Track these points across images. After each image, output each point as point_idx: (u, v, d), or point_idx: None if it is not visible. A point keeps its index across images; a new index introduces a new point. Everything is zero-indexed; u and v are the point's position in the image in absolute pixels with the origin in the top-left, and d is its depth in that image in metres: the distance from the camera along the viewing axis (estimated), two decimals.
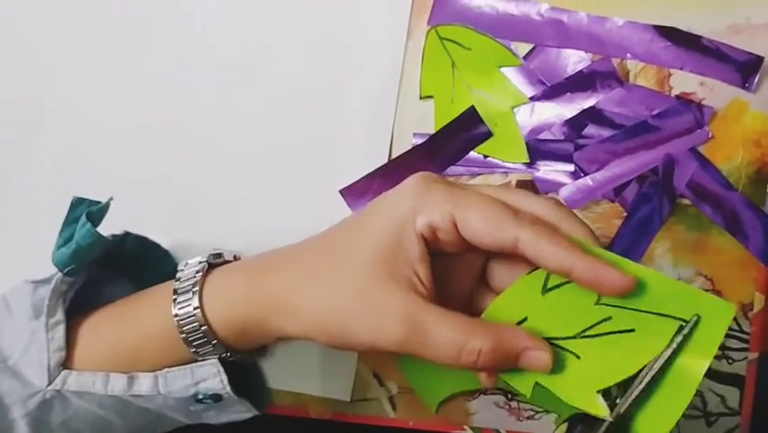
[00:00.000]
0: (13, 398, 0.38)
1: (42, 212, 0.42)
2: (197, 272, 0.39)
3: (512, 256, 0.36)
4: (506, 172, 0.49)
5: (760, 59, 0.47)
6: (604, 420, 0.34)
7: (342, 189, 0.49)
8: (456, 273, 0.38)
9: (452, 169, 0.49)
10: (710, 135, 0.47)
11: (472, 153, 0.49)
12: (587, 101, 0.48)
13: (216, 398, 0.39)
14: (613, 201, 0.48)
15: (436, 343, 0.34)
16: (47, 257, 0.40)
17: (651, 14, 0.48)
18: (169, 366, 0.39)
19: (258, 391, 0.43)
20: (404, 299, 0.34)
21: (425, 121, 0.49)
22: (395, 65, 0.50)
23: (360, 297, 0.35)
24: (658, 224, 0.47)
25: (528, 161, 0.48)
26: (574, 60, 0.49)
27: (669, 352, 0.33)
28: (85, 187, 0.42)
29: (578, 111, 0.48)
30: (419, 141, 0.49)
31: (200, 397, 0.39)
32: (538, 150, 0.48)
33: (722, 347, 0.47)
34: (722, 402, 0.47)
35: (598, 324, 0.35)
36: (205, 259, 0.40)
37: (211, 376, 0.38)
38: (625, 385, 0.34)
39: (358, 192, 0.49)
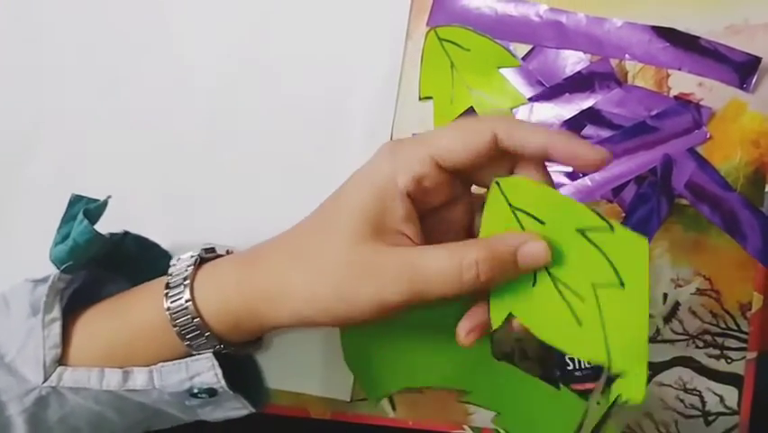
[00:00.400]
0: (10, 395, 0.38)
1: (44, 212, 0.42)
2: (189, 266, 0.39)
3: None
4: None
5: (758, 60, 0.47)
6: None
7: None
8: (442, 231, 0.38)
9: None
10: (708, 136, 0.47)
11: None
12: (585, 102, 0.48)
13: (211, 392, 0.39)
14: (611, 201, 0.48)
15: (436, 275, 0.34)
16: (48, 257, 0.40)
17: (649, 15, 0.48)
18: (164, 361, 0.39)
19: (255, 388, 0.44)
20: (393, 252, 0.35)
21: (425, 122, 0.50)
22: (394, 66, 0.50)
23: (351, 263, 0.35)
24: (656, 224, 0.47)
25: None
26: (573, 61, 0.49)
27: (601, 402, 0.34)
28: (85, 188, 0.42)
29: (576, 111, 0.48)
30: None
31: (195, 391, 0.39)
32: None
33: (720, 347, 0.47)
34: (721, 402, 0.47)
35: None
36: (197, 253, 0.40)
37: (205, 370, 0.38)
38: None
39: None
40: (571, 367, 0.46)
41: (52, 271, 0.40)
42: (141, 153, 0.51)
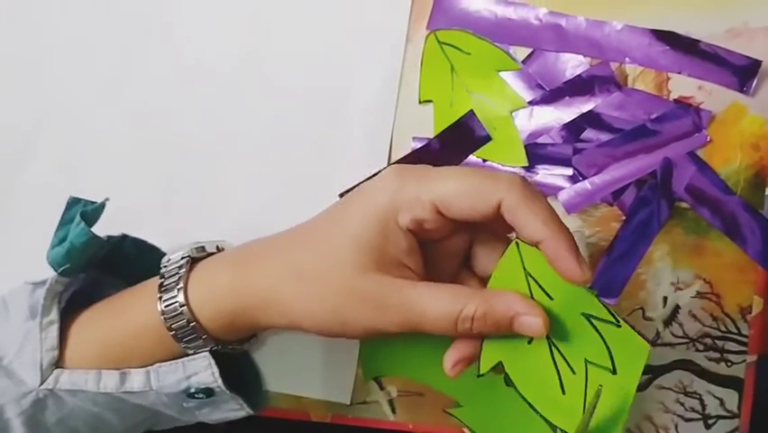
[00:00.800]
0: (7, 398, 0.38)
1: (44, 214, 0.42)
2: (180, 268, 0.39)
3: (494, 239, 0.37)
4: None
5: (758, 63, 0.47)
6: None
7: (343, 194, 0.49)
8: (441, 259, 0.38)
9: None
10: (709, 139, 0.47)
11: (471, 157, 0.49)
12: (585, 105, 0.48)
13: (209, 392, 0.39)
14: (612, 205, 0.48)
15: (433, 318, 0.34)
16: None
17: (649, 19, 0.48)
18: (161, 361, 0.39)
19: (253, 390, 0.44)
20: (394, 285, 0.35)
21: (425, 125, 0.50)
22: (394, 69, 0.50)
23: (350, 293, 0.35)
24: (657, 227, 0.47)
25: (527, 164, 0.48)
26: (573, 65, 0.49)
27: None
28: (85, 189, 0.42)
29: (576, 115, 0.48)
30: (418, 145, 0.49)
31: (192, 391, 0.39)
32: (537, 154, 0.49)
33: (721, 350, 0.47)
34: (721, 405, 0.47)
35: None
36: (187, 254, 0.40)
37: (202, 369, 0.39)
38: None
39: None
40: None
41: (52, 273, 0.40)
42: (141, 154, 0.51)
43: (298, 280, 0.36)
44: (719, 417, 0.47)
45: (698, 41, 0.48)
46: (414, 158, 0.49)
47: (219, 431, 0.46)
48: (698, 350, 0.47)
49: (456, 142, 0.49)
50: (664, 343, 0.48)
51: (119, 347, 0.39)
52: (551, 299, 0.35)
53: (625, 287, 0.47)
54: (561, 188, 0.48)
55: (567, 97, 0.49)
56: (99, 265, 0.42)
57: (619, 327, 0.34)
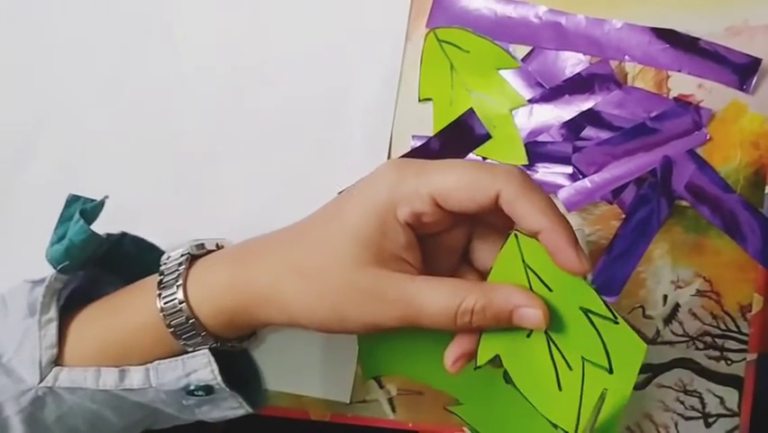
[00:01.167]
0: (6, 395, 0.38)
1: (44, 213, 0.42)
2: (180, 265, 0.39)
3: (493, 233, 0.37)
4: None
5: (758, 61, 0.47)
6: None
7: (342, 192, 0.49)
8: (439, 253, 0.38)
9: None
10: (708, 137, 0.47)
11: (471, 155, 0.49)
12: (585, 103, 0.48)
13: (208, 390, 0.39)
14: (611, 203, 0.48)
15: (432, 313, 0.34)
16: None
17: (649, 17, 0.48)
18: (160, 358, 0.39)
19: (253, 389, 0.44)
20: (393, 279, 0.35)
21: (424, 123, 0.50)
22: (394, 67, 0.50)
23: (349, 288, 0.35)
24: (656, 225, 0.47)
25: (527, 162, 0.48)
26: (572, 63, 0.49)
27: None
28: (85, 189, 0.42)
29: (576, 113, 0.48)
30: (418, 143, 0.49)
31: (192, 388, 0.39)
32: (537, 152, 0.49)
33: (720, 348, 0.47)
34: (721, 403, 0.47)
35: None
36: (186, 251, 0.40)
37: (202, 367, 0.39)
38: None
39: None
40: None
41: (51, 272, 0.40)
42: (141, 154, 0.51)
43: (298, 276, 0.36)
44: (719, 415, 0.47)
45: (697, 39, 0.48)
46: (413, 156, 0.49)
47: (218, 430, 0.46)
48: (698, 348, 0.47)
49: (456, 141, 0.49)
50: (664, 341, 0.48)
51: (118, 345, 0.39)
52: (550, 291, 0.35)
53: (625, 285, 0.47)
54: (561, 187, 0.48)
55: (567, 96, 0.49)
56: (98, 263, 0.42)
57: (617, 324, 0.34)
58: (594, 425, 0.34)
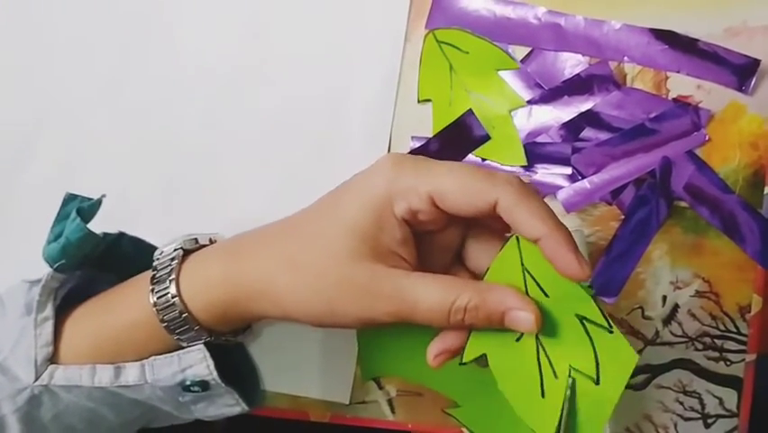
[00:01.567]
0: (2, 394, 0.38)
1: (43, 212, 0.42)
2: (173, 260, 0.39)
3: (488, 234, 0.37)
4: None
5: (757, 62, 0.47)
6: None
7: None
8: (434, 252, 0.38)
9: None
10: (707, 138, 0.47)
11: (470, 156, 0.49)
12: (584, 104, 0.48)
13: (204, 385, 0.39)
14: (610, 204, 0.48)
15: (425, 309, 0.34)
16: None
17: (648, 18, 0.48)
18: (155, 354, 0.39)
19: (250, 387, 0.44)
20: (388, 274, 0.35)
21: (423, 124, 0.50)
22: (393, 68, 0.50)
23: (343, 281, 0.35)
24: (655, 226, 0.47)
25: (526, 163, 0.48)
26: (571, 64, 0.49)
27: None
28: (84, 188, 0.42)
29: (575, 114, 0.48)
30: (417, 144, 0.49)
31: (187, 384, 0.39)
32: (536, 153, 0.49)
33: (720, 349, 0.47)
34: (720, 404, 0.47)
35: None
36: (179, 245, 0.40)
37: (197, 362, 0.39)
38: None
39: None
40: None
41: (49, 270, 0.40)
42: (140, 154, 0.51)
43: (292, 269, 0.36)
44: (718, 416, 0.47)
45: (696, 40, 0.48)
46: None
47: (218, 431, 0.46)
48: (697, 349, 0.47)
49: (455, 142, 0.49)
50: (663, 342, 0.48)
51: (113, 341, 0.39)
52: (546, 296, 0.35)
53: (624, 286, 0.47)
54: (560, 188, 0.48)
55: (566, 96, 0.49)
56: (96, 264, 0.42)
57: (611, 333, 0.34)
58: (564, 417, 0.34)
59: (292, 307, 0.36)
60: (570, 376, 0.34)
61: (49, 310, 0.39)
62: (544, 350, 0.35)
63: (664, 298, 0.48)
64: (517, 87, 0.49)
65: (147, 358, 0.39)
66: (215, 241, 0.41)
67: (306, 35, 0.51)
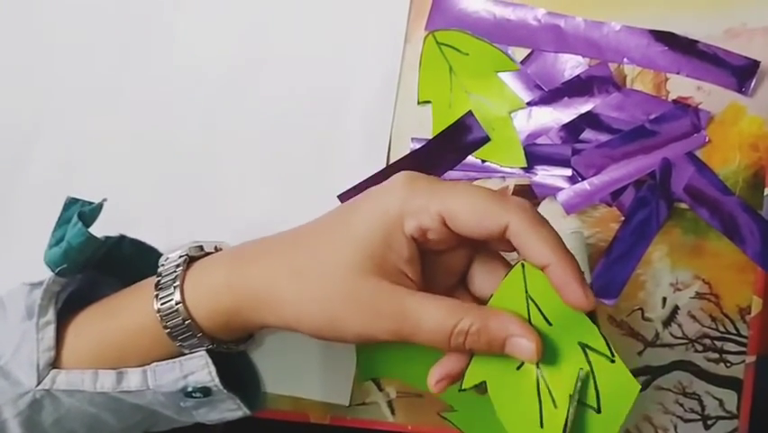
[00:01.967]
0: (4, 398, 0.38)
1: (43, 214, 0.42)
2: (178, 267, 0.39)
3: (493, 260, 0.37)
4: (503, 177, 0.49)
5: (756, 64, 0.47)
6: None
7: (341, 194, 0.49)
8: (438, 273, 0.38)
9: (450, 173, 0.49)
10: (707, 139, 0.47)
11: (470, 158, 0.49)
12: (584, 106, 0.48)
13: (206, 391, 0.39)
14: (610, 205, 0.48)
15: (427, 330, 0.34)
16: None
17: (647, 19, 0.48)
18: (158, 360, 0.39)
19: (251, 391, 0.44)
20: (393, 291, 0.35)
21: (423, 126, 0.50)
22: (393, 70, 0.50)
23: (347, 295, 0.35)
24: (655, 228, 0.47)
25: (526, 165, 0.48)
26: (571, 65, 0.49)
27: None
28: (84, 190, 0.42)
29: (575, 116, 0.48)
30: (417, 146, 0.49)
31: (189, 390, 0.39)
32: (536, 154, 0.49)
33: (720, 351, 0.47)
34: (720, 406, 0.47)
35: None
36: (185, 252, 0.40)
37: (199, 369, 0.38)
38: None
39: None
40: None
41: (50, 275, 0.40)
42: (140, 155, 0.51)
43: (297, 279, 0.36)
44: (718, 417, 0.47)
45: (696, 41, 0.48)
46: (412, 159, 0.49)
47: (217, 432, 0.46)
48: (697, 351, 0.47)
49: (455, 143, 0.49)
50: (663, 343, 0.48)
51: (116, 347, 0.39)
52: (549, 324, 0.35)
53: (624, 288, 0.47)
54: (559, 189, 0.48)
55: (566, 98, 0.49)
56: (97, 266, 0.42)
57: (613, 362, 0.34)
58: (571, 412, 0.34)
59: (293, 316, 0.36)
60: (569, 405, 0.34)
61: (50, 315, 0.39)
62: (544, 380, 0.35)
63: (664, 299, 0.48)
64: (517, 88, 0.49)
65: (149, 364, 0.39)
66: (221, 249, 0.41)
67: (306, 37, 0.51)
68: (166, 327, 0.38)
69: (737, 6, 0.48)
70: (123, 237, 0.43)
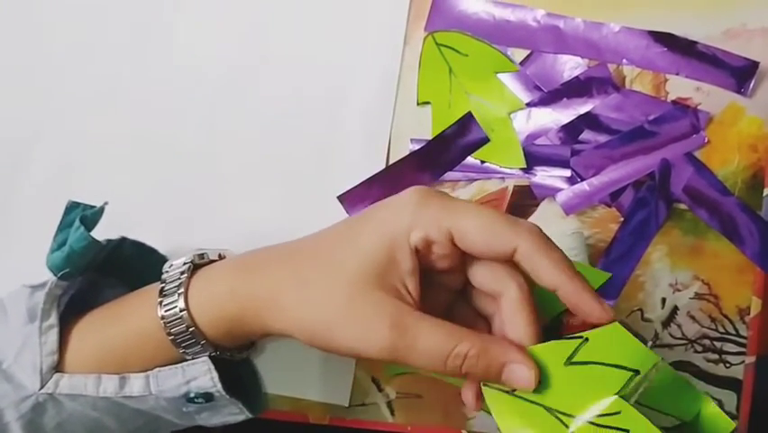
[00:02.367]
0: (6, 402, 0.38)
1: (43, 217, 0.42)
2: (182, 273, 0.39)
3: (491, 277, 0.37)
4: (503, 178, 0.49)
5: (755, 64, 0.47)
6: None
7: (341, 195, 0.49)
8: (436, 291, 0.38)
9: (450, 174, 0.49)
10: (706, 140, 0.48)
11: (470, 159, 0.49)
12: (583, 107, 0.48)
13: (208, 397, 0.39)
14: (610, 206, 0.48)
15: (424, 347, 0.34)
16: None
17: (647, 20, 0.48)
18: (160, 366, 0.39)
19: (252, 393, 0.44)
20: (392, 306, 0.35)
21: (423, 127, 0.50)
22: (392, 71, 0.50)
23: (348, 305, 0.35)
24: (655, 228, 0.48)
25: (525, 166, 0.48)
26: (570, 66, 0.49)
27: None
28: (84, 193, 0.42)
29: (574, 116, 0.49)
30: (416, 146, 0.49)
31: (192, 396, 0.39)
32: (535, 155, 0.49)
33: (719, 351, 0.47)
34: (719, 406, 0.47)
35: (606, 415, 0.34)
36: (189, 260, 0.40)
37: (202, 375, 0.38)
38: None
39: (356, 198, 0.49)
40: None
41: (51, 276, 0.40)
42: (140, 158, 0.51)
43: (300, 286, 0.36)
44: None
45: (695, 42, 0.48)
46: (412, 159, 0.49)
47: (216, 432, 0.46)
48: (696, 351, 0.47)
49: (454, 144, 0.49)
50: (663, 344, 0.48)
51: (119, 352, 0.39)
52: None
53: (623, 288, 0.47)
54: (559, 190, 0.48)
55: (565, 99, 0.49)
56: (98, 268, 0.42)
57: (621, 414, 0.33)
58: (638, 390, 0.33)
59: (292, 322, 0.36)
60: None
61: (53, 318, 0.39)
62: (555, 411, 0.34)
63: (664, 300, 0.48)
64: (516, 89, 0.49)
65: (152, 369, 0.39)
66: (224, 256, 0.41)
67: (306, 38, 0.51)
68: (169, 334, 0.38)
69: (737, 7, 0.48)
70: (124, 239, 0.43)
